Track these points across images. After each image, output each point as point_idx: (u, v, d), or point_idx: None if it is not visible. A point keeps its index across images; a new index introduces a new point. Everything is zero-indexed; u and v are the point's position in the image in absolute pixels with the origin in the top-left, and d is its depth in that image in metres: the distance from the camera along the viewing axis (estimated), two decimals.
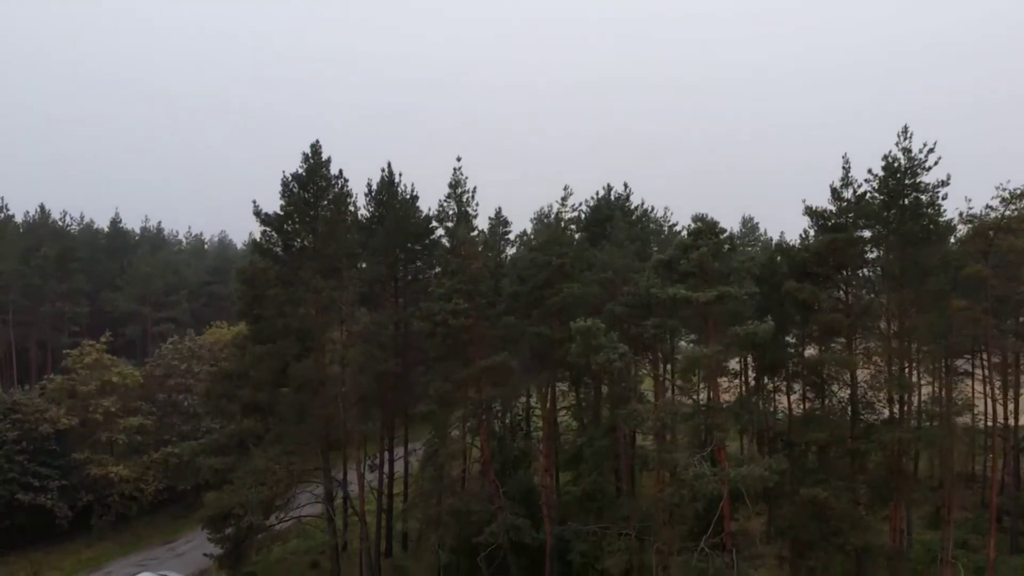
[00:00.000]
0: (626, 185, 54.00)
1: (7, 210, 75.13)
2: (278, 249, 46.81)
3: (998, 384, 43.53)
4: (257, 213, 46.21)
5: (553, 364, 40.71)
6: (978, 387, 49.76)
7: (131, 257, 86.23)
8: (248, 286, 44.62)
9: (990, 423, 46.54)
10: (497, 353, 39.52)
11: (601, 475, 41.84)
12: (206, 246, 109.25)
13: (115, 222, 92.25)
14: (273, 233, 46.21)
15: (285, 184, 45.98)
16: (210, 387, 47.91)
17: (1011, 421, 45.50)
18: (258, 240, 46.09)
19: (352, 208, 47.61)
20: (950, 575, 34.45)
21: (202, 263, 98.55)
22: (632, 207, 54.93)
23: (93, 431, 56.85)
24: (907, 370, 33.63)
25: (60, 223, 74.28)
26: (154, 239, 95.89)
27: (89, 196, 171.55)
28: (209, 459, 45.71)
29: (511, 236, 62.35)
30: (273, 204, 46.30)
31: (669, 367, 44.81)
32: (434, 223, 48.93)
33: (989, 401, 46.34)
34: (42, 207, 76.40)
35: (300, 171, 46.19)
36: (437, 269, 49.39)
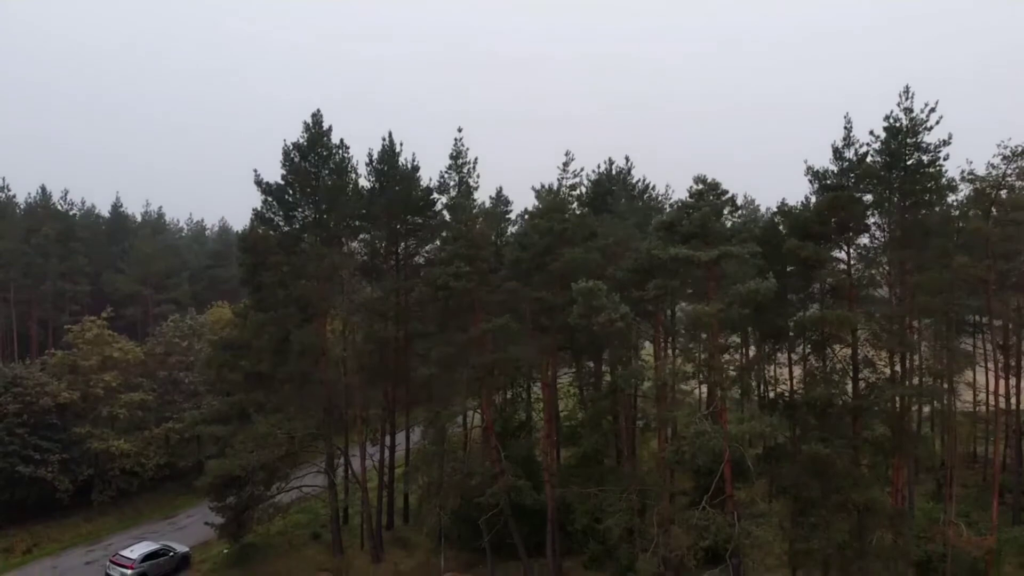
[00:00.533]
0: (627, 158, 54.15)
1: (8, 190, 75.36)
2: (279, 219, 46.89)
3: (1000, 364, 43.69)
4: (258, 182, 46.33)
5: (554, 330, 40.63)
6: (980, 376, 50.19)
7: (132, 240, 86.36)
8: (249, 253, 44.67)
9: (992, 402, 46.81)
10: (498, 317, 39.47)
11: (602, 437, 41.87)
12: (207, 232, 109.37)
13: (116, 206, 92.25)
14: (274, 202, 46.29)
15: (286, 153, 46.07)
16: (211, 356, 47.95)
17: (1013, 399, 45.66)
18: (259, 209, 46.14)
19: (353, 176, 47.55)
20: (953, 534, 34.42)
21: (203, 248, 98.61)
22: (634, 181, 54.97)
23: (94, 406, 56.78)
24: (909, 329, 33.59)
25: (62, 203, 74.21)
26: (155, 224, 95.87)
27: (90, 183, 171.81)
28: (210, 427, 45.83)
29: (512, 216, 62.40)
30: (275, 177, 46.60)
31: (670, 331, 44.97)
32: (435, 195, 48.98)
33: (991, 375, 46.66)
34: (43, 188, 76.52)
35: (301, 140, 46.30)
36: (438, 243, 49.52)
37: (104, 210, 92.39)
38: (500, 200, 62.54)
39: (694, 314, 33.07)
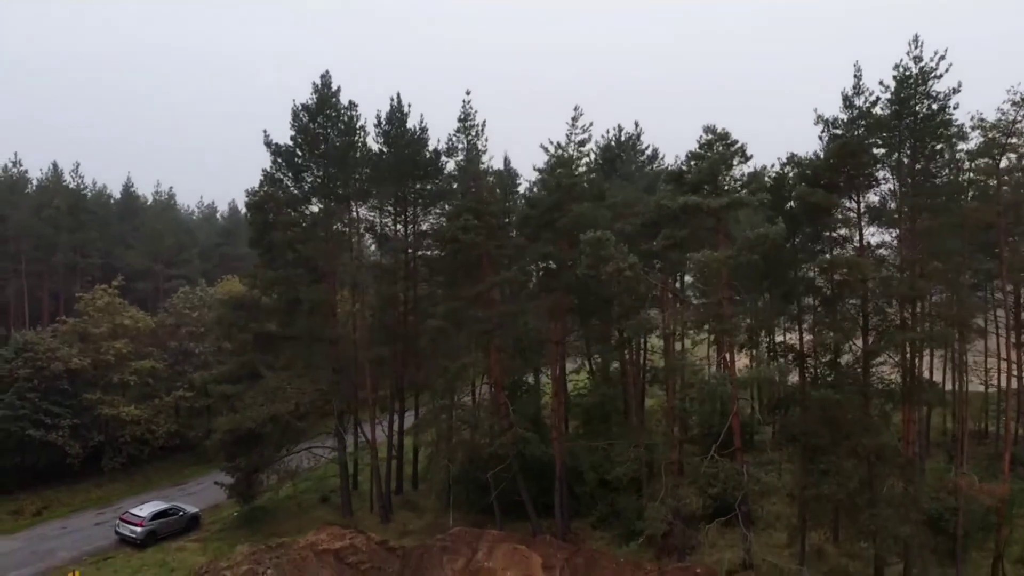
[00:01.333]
0: (636, 124, 54.00)
1: (20, 165, 75.82)
2: (288, 180, 46.96)
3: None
4: (268, 143, 46.51)
5: (562, 287, 40.50)
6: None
7: (143, 218, 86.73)
8: (259, 211, 44.74)
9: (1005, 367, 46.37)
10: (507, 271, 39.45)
11: (610, 388, 41.80)
12: (218, 215, 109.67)
13: (127, 186, 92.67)
14: (283, 163, 46.38)
15: (295, 114, 46.18)
16: (221, 315, 48.06)
17: None
18: (268, 170, 46.20)
19: (362, 136, 47.56)
20: (965, 484, 34.09)
21: (214, 227, 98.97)
22: (642, 147, 54.80)
23: (105, 373, 57.04)
24: (920, 275, 33.25)
25: (73, 176, 74.46)
26: (166, 204, 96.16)
27: (102, 164, 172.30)
28: (220, 386, 45.96)
29: (520, 188, 62.25)
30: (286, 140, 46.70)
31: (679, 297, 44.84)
32: (443, 158, 48.89)
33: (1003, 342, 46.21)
34: (55, 164, 76.95)
35: (310, 101, 46.37)
36: (446, 207, 49.43)
37: (116, 191, 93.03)
38: (508, 168, 62.33)
39: (703, 260, 32.87)
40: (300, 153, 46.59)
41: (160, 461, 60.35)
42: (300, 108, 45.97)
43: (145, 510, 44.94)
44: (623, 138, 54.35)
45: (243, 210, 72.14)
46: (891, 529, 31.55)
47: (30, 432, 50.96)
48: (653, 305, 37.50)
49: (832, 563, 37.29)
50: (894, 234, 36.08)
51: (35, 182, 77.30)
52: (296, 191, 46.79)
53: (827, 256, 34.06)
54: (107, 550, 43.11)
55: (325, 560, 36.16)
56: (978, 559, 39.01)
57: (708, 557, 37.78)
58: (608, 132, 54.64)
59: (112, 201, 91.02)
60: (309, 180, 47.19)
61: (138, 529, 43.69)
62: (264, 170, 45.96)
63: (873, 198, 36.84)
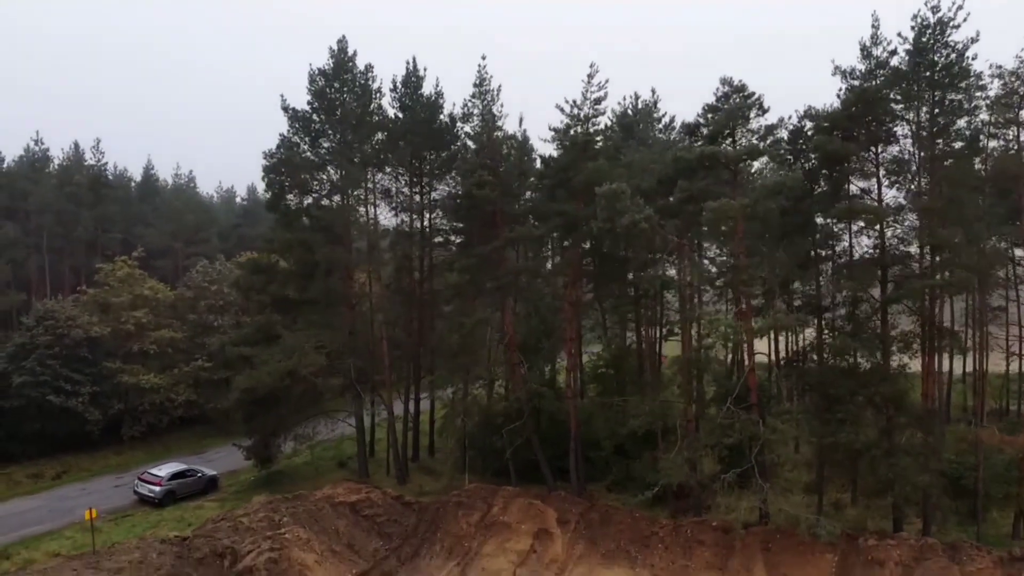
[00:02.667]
0: (653, 91, 53.78)
1: (42, 143, 76.60)
2: (305, 145, 47.09)
3: None
4: (285, 108, 46.57)
5: (577, 245, 40.40)
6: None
7: (163, 197, 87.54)
8: (275, 174, 44.93)
9: None
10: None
11: (624, 344, 41.69)
12: (237, 199, 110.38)
13: (147, 168, 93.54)
14: (300, 128, 46.51)
15: (311, 78, 46.26)
16: (241, 277, 48.41)
17: None
18: (285, 134, 46.33)
19: (378, 99, 47.65)
20: (986, 436, 33.77)
21: (232, 210, 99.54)
22: (659, 115, 54.51)
23: (124, 342, 57.60)
24: (941, 224, 32.89)
25: (94, 152, 75.16)
26: (185, 186, 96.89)
27: (123, 146, 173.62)
28: (238, 348, 46.23)
29: (536, 159, 62.16)
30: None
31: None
32: (459, 124, 48.81)
33: None
34: (76, 144, 77.81)
35: (326, 67, 46.49)
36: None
37: (136, 174, 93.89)
38: (524, 135, 61.99)
39: (720, 208, 32.67)
40: (317, 118, 46.71)
41: (179, 431, 60.80)
42: (317, 72, 46.04)
43: (164, 470, 45.32)
44: (640, 106, 54.20)
45: (261, 192, 72.85)
46: (909, 478, 31.30)
47: (50, 398, 51.42)
48: (669, 259, 37.30)
49: (850, 516, 37.02)
50: (913, 187, 35.73)
51: (57, 160, 78.19)
52: (312, 156, 46.87)
53: (845, 203, 33.72)
54: (126, 509, 43.51)
55: (341, 511, 36.36)
56: (999, 519, 38.66)
57: (724, 517, 37.64)
58: (624, 99, 54.54)
59: (133, 184, 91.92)
60: (326, 145, 47.28)
61: (157, 488, 44.06)
62: (281, 134, 46.08)
63: (893, 150, 36.62)
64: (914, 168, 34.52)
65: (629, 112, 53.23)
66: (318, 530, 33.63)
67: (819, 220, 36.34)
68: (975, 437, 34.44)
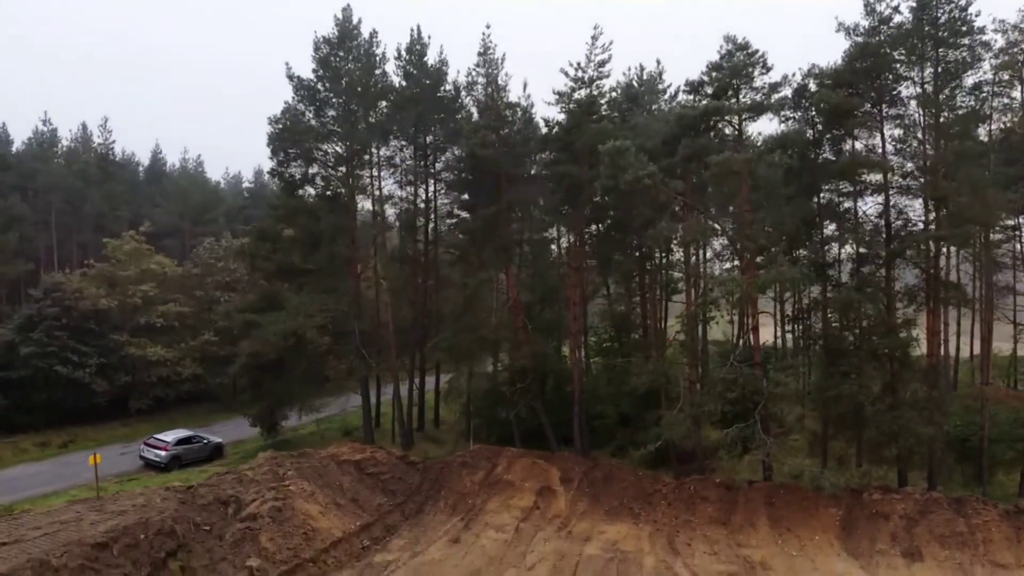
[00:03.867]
0: (659, 62, 53.68)
1: (51, 124, 77.09)
2: (310, 114, 47.18)
3: None
4: (290, 76, 46.66)
5: (581, 204, 40.34)
6: None
7: (171, 179, 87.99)
8: (280, 141, 44.99)
9: None
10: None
11: (628, 306, 41.61)
12: (244, 183, 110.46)
13: (155, 152, 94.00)
14: (304, 95, 46.59)
15: (316, 46, 46.30)
16: (246, 244, 48.59)
17: None
18: (289, 102, 46.44)
19: (382, 66, 47.72)
20: (991, 391, 33.65)
21: (239, 194, 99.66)
22: (664, 86, 54.37)
23: (132, 316, 57.90)
24: (944, 177, 32.75)
25: (101, 131, 75.43)
26: (193, 171, 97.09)
27: (130, 130, 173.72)
28: (244, 314, 46.41)
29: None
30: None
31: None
32: (463, 93, 48.82)
33: None
34: (84, 125, 78.17)
35: (331, 35, 46.56)
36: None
37: (144, 159, 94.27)
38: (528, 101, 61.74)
39: (723, 163, 32.60)
40: (321, 87, 46.79)
41: (185, 405, 61.13)
42: (321, 40, 46.12)
43: (170, 436, 45.58)
44: (645, 77, 54.08)
45: (267, 172, 72.87)
46: (913, 429, 31.20)
47: (57, 368, 51.75)
48: (673, 217, 37.20)
49: (854, 474, 36.91)
50: (917, 141, 35.57)
51: (65, 141, 78.64)
52: (317, 124, 46.94)
53: (848, 156, 33.63)
54: (132, 473, 43.75)
55: (346, 469, 36.45)
56: (1005, 482, 38.48)
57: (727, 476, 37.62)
58: (629, 70, 54.44)
59: (140, 168, 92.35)
60: (331, 114, 47.37)
61: (162, 453, 44.28)
62: (286, 102, 46.21)
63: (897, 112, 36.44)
64: (919, 130, 34.34)
65: (634, 84, 53.08)
66: (322, 484, 33.71)
67: (824, 187, 36.20)
68: (980, 393, 34.26)
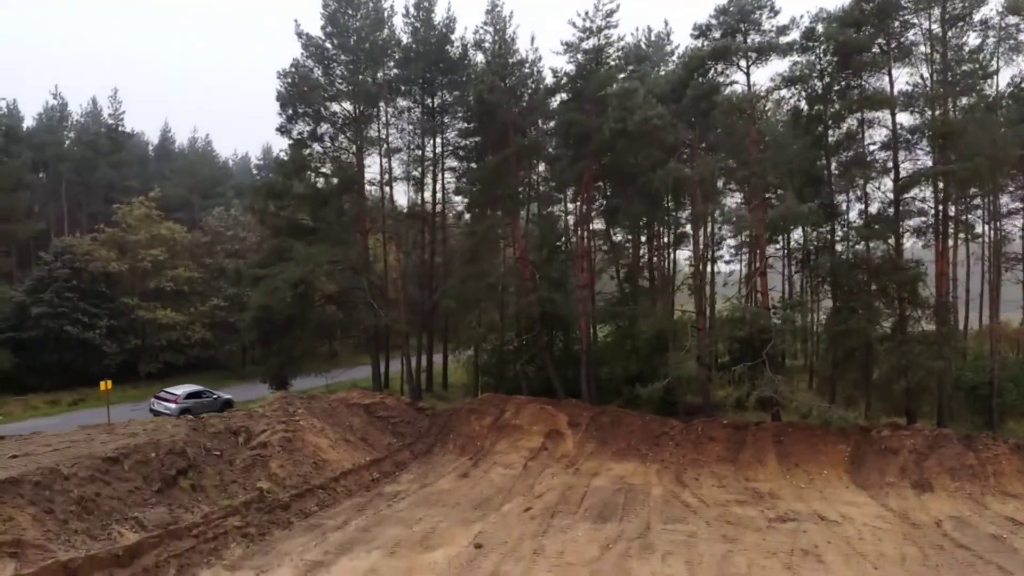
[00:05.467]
0: (666, 22, 53.57)
1: (61, 97, 77.40)
2: (318, 71, 47.28)
3: None
4: (299, 34, 46.79)
5: (589, 154, 40.31)
6: None
7: (180, 155, 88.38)
8: (288, 99, 45.10)
9: None
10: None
11: (636, 246, 41.59)
12: (253, 160, 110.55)
13: (164, 131, 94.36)
14: (313, 52, 46.70)
15: (325, 3, 46.42)
16: (254, 199, 48.73)
17: None
18: (298, 59, 46.47)
19: (389, 19, 47.84)
20: (999, 333, 33.57)
21: (248, 170, 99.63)
22: (672, 47, 54.29)
23: (142, 280, 58.19)
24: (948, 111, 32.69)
25: (111, 102, 75.68)
26: (202, 149, 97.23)
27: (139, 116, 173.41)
28: (253, 269, 46.61)
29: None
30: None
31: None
32: (470, 51, 48.71)
33: None
34: (94, 100, 78.52)
35: None
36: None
37: (153, 137, 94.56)
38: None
39: (733, 100, 32.64)
40: (330, 44, 46.90)
41: (195, 371, 61.25)
42: None
43: (180, 390, 45.63)
44: (653, 38, 54.07)
45: (276, 152, 72.93)
46: (923, 363, 31.16)
47: (68, 329, 51.94)
48: (682, 158, 37.10)
49: (862, 409, 36.96)
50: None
51: (76, 116, 78.98)
52: (325, 82, 47.03)
53: (855, 92, 33.56)
54: None
55: (355, 411, 36.68)
56: (1016, 428, 38.33)
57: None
58: (637, 31, 54.48)
59: (150, 147, 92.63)
60: (339, 72, 47.47)
61: (172, 406, 44.33)
62: (294, 59, 46.29)
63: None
64: (926, 64, 34.27)
65: (642, 45, 53.01)
66: (332, 423, 33.92)
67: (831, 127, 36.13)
68: (990, 331, 34.20)
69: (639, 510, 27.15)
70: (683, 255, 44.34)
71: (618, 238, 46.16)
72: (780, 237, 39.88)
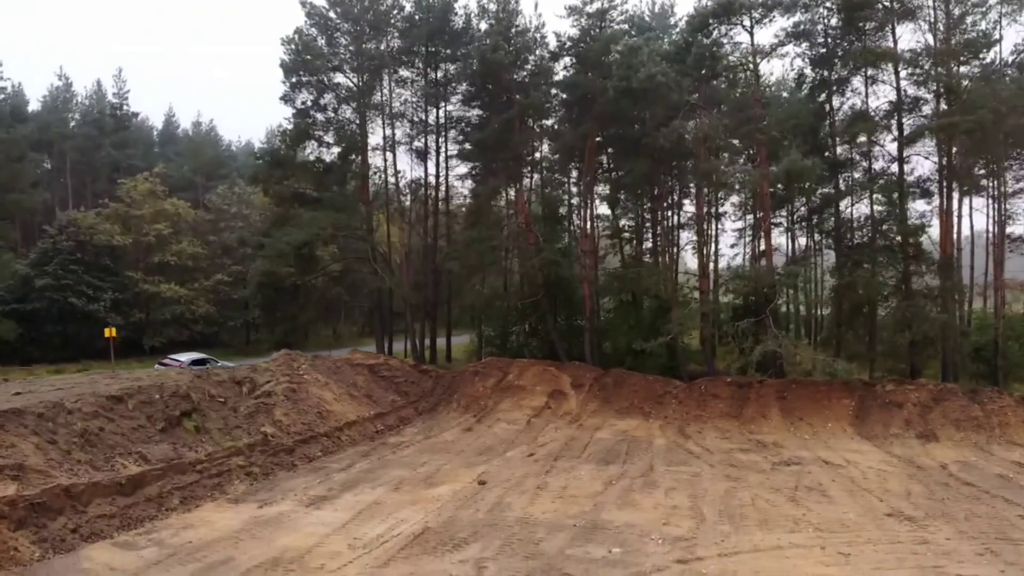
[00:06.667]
0: None
1: (67, 79, 77.44)
2: (322, 41, 47.27)
3: None
4: (303, 2, 46.75)
5: (593, 118, 40.27)
6: None
7: (184, 138, 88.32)
8: (291, 69, 45.10)
9: None
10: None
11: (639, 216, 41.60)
12: (256, 145, 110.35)
13: (168, 116, 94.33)
14: (317, 21, 46.69)
15: None
16: (258, 169, 48.72)
17: None
18: (301, 27, 46.44)
19: None
20: (1002, 295, 33.47)
21: (251, 152, 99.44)
22: (677, 19, 54.04)
23: (146, 255, 58.29)
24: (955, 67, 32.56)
25: (116, 82, 75.66)
26: (207, 134, 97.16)
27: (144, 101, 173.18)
28: (256, 236, 46.65)
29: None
30: None
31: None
32: (473, 21, 48.58)
33: None
34: (98, 82, 78.44)
35: None
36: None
37: (157, 123, 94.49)
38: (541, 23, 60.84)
39: (737, 56, 32.59)
40: (333, 15, 46.89)
41: (199, 348, 61.14)
42: None
43: (184, 356, 45.59)
44: (656, 10, 53.91)
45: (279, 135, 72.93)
46: (927, 315, 31.10)
47: (72, 301, 52.00)
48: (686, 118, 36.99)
49: (867, 365, 36.85)
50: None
51: (80, 97, 78.90)
52: (328, 52, 47.01)
53: (860, 47, 33.47)
54: None
55: (359, 370, 36.68)
56: (1021, 388, 38.17)
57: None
58: (640, 1, 54.31)
59: (155, 132, 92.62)
60: (342, 42, 47.44)
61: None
62: (297, 27, 46.22)
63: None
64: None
65: (645, 17, 52.85)
66: (337, 379, 33.93)
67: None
68: (995, 285, 34.10)
69: (642, 455, 27.15)
70: (687, 214, 44.05)
71: (620, 209, 45.93)
72: (784, 192, 39.63)
